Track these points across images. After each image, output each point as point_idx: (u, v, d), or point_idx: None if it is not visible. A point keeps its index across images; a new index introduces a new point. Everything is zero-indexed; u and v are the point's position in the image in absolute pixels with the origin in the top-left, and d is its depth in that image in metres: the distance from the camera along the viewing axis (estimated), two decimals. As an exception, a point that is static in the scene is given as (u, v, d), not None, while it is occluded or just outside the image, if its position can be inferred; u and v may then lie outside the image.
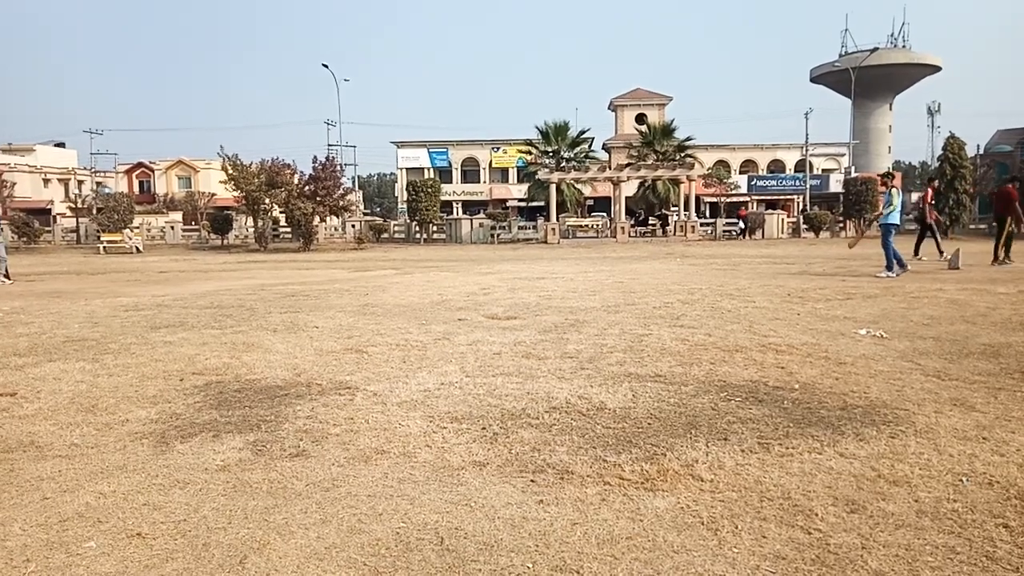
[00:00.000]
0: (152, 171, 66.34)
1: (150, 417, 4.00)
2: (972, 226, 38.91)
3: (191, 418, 3.96)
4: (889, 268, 12.29)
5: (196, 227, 44.91)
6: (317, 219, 35.72)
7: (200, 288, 12.82)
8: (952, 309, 7.69)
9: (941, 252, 16.48)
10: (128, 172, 66.03)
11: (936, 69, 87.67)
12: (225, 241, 39.19)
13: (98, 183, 58.77)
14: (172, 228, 42.83)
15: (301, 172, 36.15)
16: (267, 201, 35.32)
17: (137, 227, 39.63)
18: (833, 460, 3.07)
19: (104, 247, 35.09)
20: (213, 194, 57.08)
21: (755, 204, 55.47)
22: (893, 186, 13.07)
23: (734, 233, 39.89)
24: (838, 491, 2.74)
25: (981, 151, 66.21)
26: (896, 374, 4.65)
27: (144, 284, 14.33)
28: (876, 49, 68.65)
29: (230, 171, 34.98)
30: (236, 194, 36.37)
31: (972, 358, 5.09)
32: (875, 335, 6.13)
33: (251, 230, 39.03)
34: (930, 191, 17.87)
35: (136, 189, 64.36)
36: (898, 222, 12.82)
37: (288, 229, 37.15)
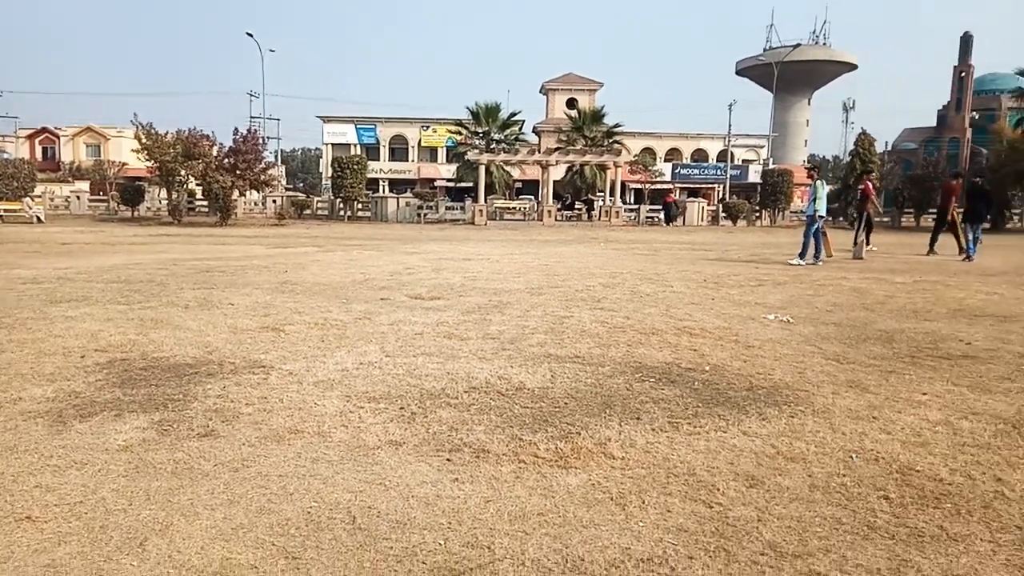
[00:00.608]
0: (58, 137, 62.28)
1: (46, 395, 3.80)
2: (877, 219, 41.04)
3: (92, 397, 3.78)
4: (802, 256, 12.86)
5: (105, 198, 42.60)
6: (236, 193, 34.46)
7: (107, 261, 12.20)
8: (854, 297, 8.13)
9: (868, 244, 17.30)
10: (30, 138, 61.81)
11: (853, 67, 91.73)
12: (136, 213, 37.35)
13: (-5, 147, 54.90)
14: (78, 198, 40.47)
15: (221, 144, 34.77)
16: (183, 173, 33.81)
17: (39, 196, 37.24)
18: (736, 438, 3.21)
19: (1, 216, 32.87)
20: (124, 164, 54.13)
21: (678, 192, 56.88)
22: (819, 178, 13.63)
23: (656, 220, 40.83)
24: (739, 467, 2.87)
25: (889, 147, 69.76)
26: (799, 357, 4.89)
27: (45, 256, 13.51)
28: (798, 45, 71.20)
29: (144, 140, 33.26)
30: (149, 164, 34.65)
31: (868, 343, 5.40)
32: (782, 320, 6.42)
33: (164, 202, 37.33)
34: (870, 184, 18.55)
35: (39, 156, 60.35)
36: (824, 213, 13.36)
37: (205, 203, 35.73)
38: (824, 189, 13.44)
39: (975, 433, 3.28)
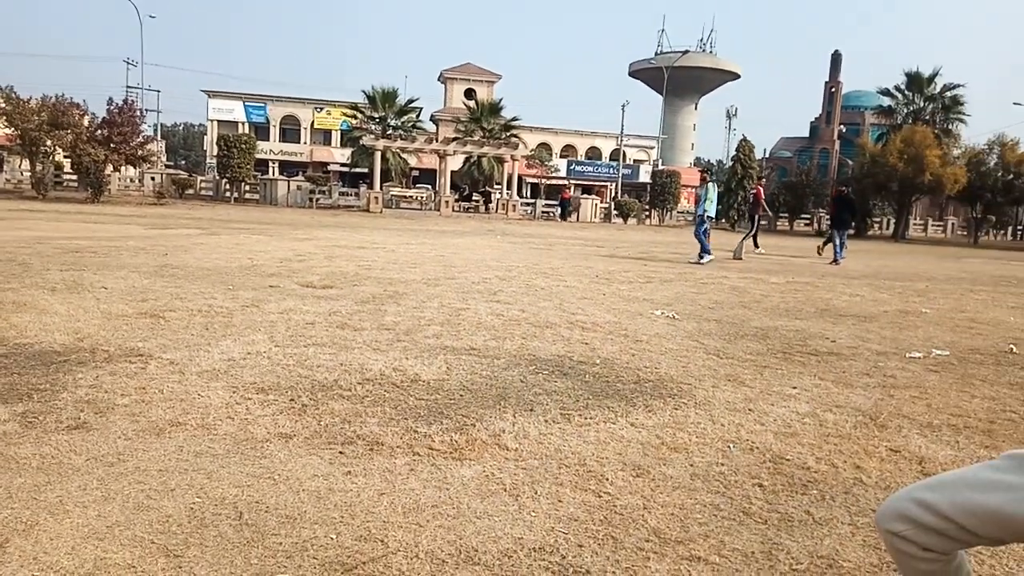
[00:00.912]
0: (-103, 95, 55.86)
1: None
2: (764, 223, 43.52)
3: (-58, 386, 3.45)
4: (707, 253, 13.40)
5: (-45, 166, 38.66)
6: (110, 168, 32.20)
7: (-41, 237, 11.10)
8: (733, 295, 8.62)
9: (756, 246, 18.23)
10: None
11: (736, 76, 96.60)
12: (-7, 185, 34.16)
13: None
14: (-77, 165, 36.56)
15: (93, 114, 32.34)
16: (49, 143, 31.23)
17: None
18: (625, 429, 3.34)
19: None
20: (-21, 129, 49.33)
21: (572, 188, 58.16)
22: (711, 181, 14.31)
23: (552, 214, 41.56)
24: (627, 457, 2.99)
25: (767, 155, 74.08)
26: (683, 352, 5.14)
27: None
28: (687, 52, 74.32)
29: (3, 104, 30.46)
30: (9, 132, 31.75)
31: (746, 339, 5.75)
32: (668, 316, 6.72)
33: (27, 175, 34.32)
34: (760, 189, 19.45)
35: None
36: (713, 214, 13.96)
37: (74, 177, 33.14)
38: (715, 191, 14.08)
39: (838, 424, 3.57)
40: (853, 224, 21.33)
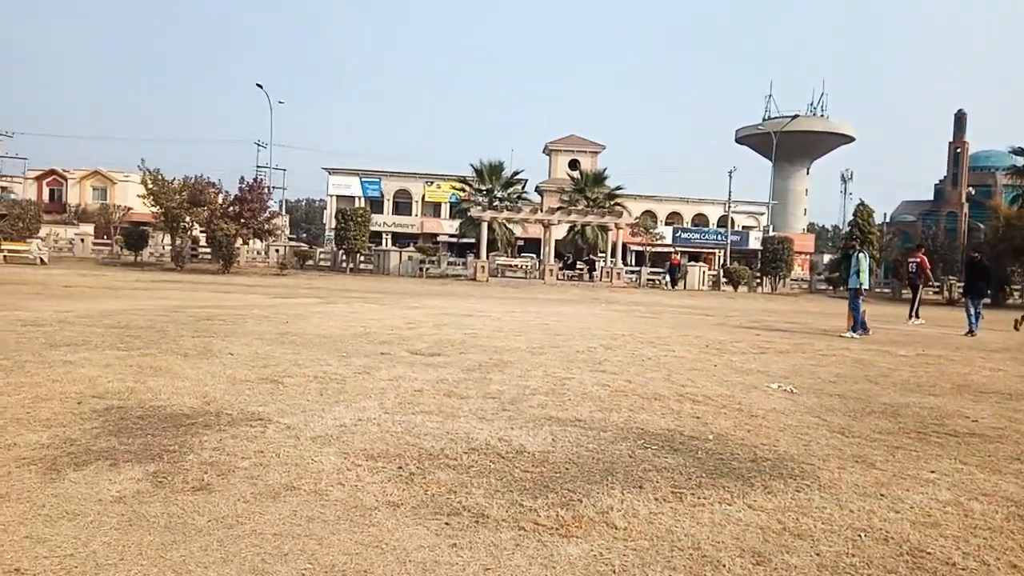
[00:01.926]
0: (65, 179, 63.00)
1: (41, 442, 3.74)
2: (878, 290, 41.19)
3: (87, 444, 3.72)
4: (861, 328, 12.61)
5: (109, 241, 42.90)
6: (240, 241, 34.75)
7: (108, 306, 12.20)
8: (856, 368, 8.09)
9: (918, 316, 17.09)
10: (38, 179, 62.45)
11: (850, 139, 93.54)
12: (139, 258, 37.57)
13: (3, 188, 55.54)
14: (82, 241, 40.76)
15: (226, 192, 35.22)
16: (188, 219, 34.19)
17: (43, 237, 37.52)
18: (742, 512, 3.14)
19: (5, 256, 33.02)
20: (129, 208, 54.67)
21: (679, 254, 57.35)
22: (861, 250, 13.41)
23: (658, 282, 41.00)
24: (745, 543, 2.80)
25: (888, 219, 70.50)
26: (804, 429, 4.83)
27: (47, 298, 13.52)
28: (796, 116, 72.84)
29: (150, 185, 33.77)
30: (155, 210, 35.05)
31: (873, 416, 5.35)
32: (786, 390, 6.37)
33: (168, 248, 37.58)
34: (924, 257, 18.10)
35: (46, 197, 60.83)
36: (868, 285, 13.02)
37: (208, 250, 35.95)
38: (867, 261, 13.20)
39: (987, 515, 3.21)
40: (989, 292, 19.69)
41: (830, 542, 2.83)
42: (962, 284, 16.88)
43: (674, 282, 39.91)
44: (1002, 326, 17.47)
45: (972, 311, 14.83)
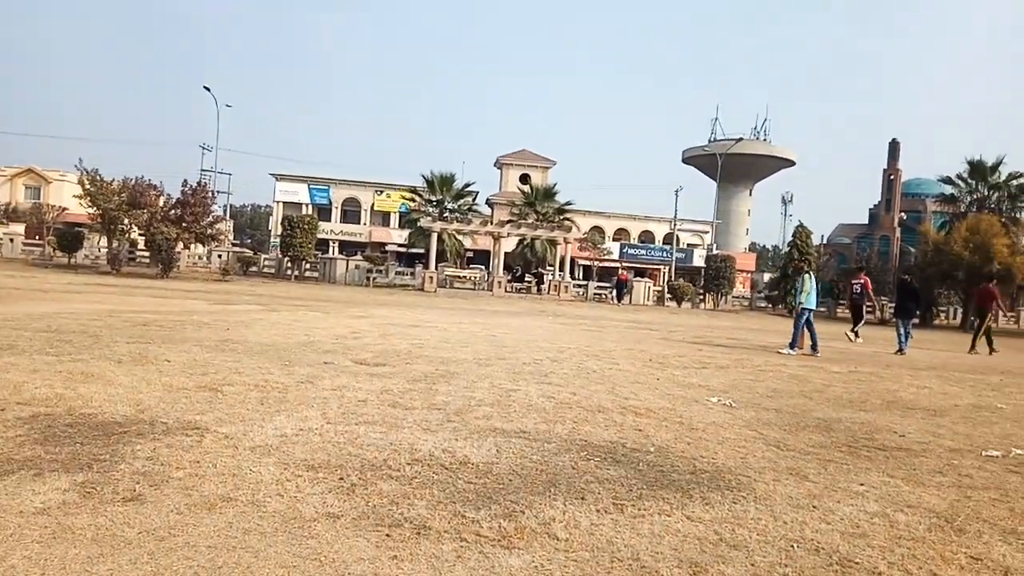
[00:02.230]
0: (-6, 176, 60.33)
1: (-41, 450, 3.55)
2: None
3: (9, 454, 3.55)
4: (791, 346, 12.97)
5: (41, 242, 41.16)
6: (180, 245, 33.80)
7: (38, 309, 11.69)
8: (793, 384, 8.33)
9: (857, 336, 17.52)
10: (-36, 177, 59.68)
11: (791, 163, 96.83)
12: (73, 260, 36.12)
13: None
14: (11, 241, 39.00)
15: (168, 195, 34.24)
16: (127, 222, 33.10)
17: (-31, 236, 35.78)
18: (680, 523, 3.20)
19: (-75, 254, 31.34)
20: (65, 208, 52.59)
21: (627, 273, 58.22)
22: (807, 271, 14.00)
23: (604, 296, 41.51)
24: (683, 553, 2.85)
25: (825, 241, 73.06)
26: (741, 442, 4.95)
27: (-30, 299, 12.87)
28: (741, 139, 75.00)
29: (87, 186, 32.58)
30: (92, 211, 33.81)
31: (807, 431, 5.52)
32: (725, 404, 6.52)
33: (104, 251, 36.26)
34: (867, 279, 18.51)
35: (-28, 196, 58.11)
36: (813, 306, 13.40)
37: (146, 253, 34.83)
38: (812, 281, 13.60)
39: (911, 526, 3.34)
40: (918, 313, 20.51)
41: (764, 552, 2.91)
42: (893, 305, 17.56)
43: (620, 297, 40.47)
44: (929, 345, 18.25)
45: (902, 331, 15.45)
